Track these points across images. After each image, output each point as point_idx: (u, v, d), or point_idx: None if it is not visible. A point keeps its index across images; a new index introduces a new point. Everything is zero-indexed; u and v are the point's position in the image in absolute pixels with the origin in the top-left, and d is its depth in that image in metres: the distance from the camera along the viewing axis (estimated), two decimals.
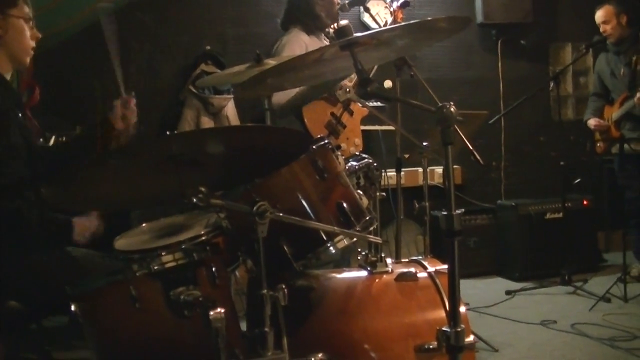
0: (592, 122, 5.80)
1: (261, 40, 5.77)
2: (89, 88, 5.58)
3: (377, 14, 5.90)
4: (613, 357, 3.93)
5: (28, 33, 2.96)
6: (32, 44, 3.01)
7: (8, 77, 3.00)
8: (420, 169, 3.90)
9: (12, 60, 2.96)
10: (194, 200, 2.07)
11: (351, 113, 4.26)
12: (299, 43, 4.35)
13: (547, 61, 6.96)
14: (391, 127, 4.86)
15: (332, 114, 4.27)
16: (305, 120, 4.36)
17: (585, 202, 6.11)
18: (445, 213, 2.01)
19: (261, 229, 2.12)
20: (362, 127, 4.91)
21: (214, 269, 2.29)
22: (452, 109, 2.01)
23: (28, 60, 3.03)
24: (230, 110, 5.62)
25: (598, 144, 5.89)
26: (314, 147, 2.52)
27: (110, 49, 2.97)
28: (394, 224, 4.13)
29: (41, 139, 3.90)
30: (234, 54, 5.82)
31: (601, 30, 5.60)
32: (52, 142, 4.05)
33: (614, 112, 5.62)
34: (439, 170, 6.07)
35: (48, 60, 5.25)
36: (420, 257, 2.87)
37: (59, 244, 2.90)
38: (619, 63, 5.62)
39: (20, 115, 2.94)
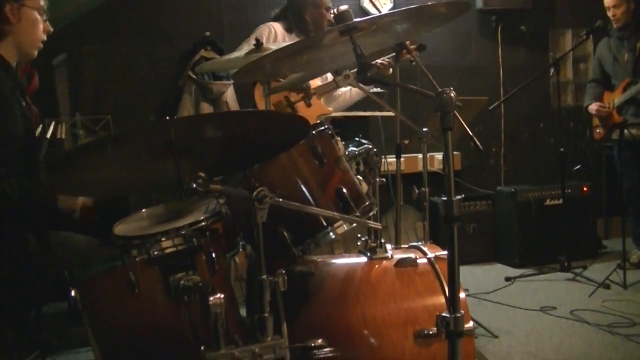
0: (593, 107, 5.77)
1: (258, 26, 5.76)
2: (88, 74, 5.59)
3: None
4: (612, 343, 3.93)
5: (41, 25, 2.93)
6: (44, 37, 2.97)
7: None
8: (420, 155, 3.89)
9: (20, 50, 2.92)
10: (193, 185, 2.06)
11: (309, 105, 4.25)
12: (269, 30, 4.54)
13: (547, 47, 6.93)
14: (391, 113, 4.84)
15: (286, 97, 4.28)
16: (255, 96, 4.41)
17: (584, 189, 6.10)
18: (444, 199, 2.01)
19: (260, 215, 2.11)
20: (362, 113, 4.89)
21: (213, 254, 2.29)
22: (451, 95, 2.00)
23: (36, 53, 2.99)
24: (230, 96, 5.61)
25: (597, 130, 5.88)
26: (313, 132, 2.52)
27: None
28: (394, 210, 4.12)
29: (40, 126, 3.89)
30: (231, 41, 5.81)
31: (610, 14, 5.56)
32: (51, 128, 4.03)
33: (616, 98, 5.60)
34: (438, 156, 6.07)
35: (46, 46, 5.24)
36: (419, 243, 2.87)
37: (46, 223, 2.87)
38: (623, 49, 5.60)
39: (22, 102, 2.92)
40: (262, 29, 4.59)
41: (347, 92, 4.73)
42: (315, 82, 4.11)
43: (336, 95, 4.71)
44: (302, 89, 4.34)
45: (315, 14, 4.60)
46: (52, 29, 3.00)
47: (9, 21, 2.83)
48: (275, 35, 4.52)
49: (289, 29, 4.63)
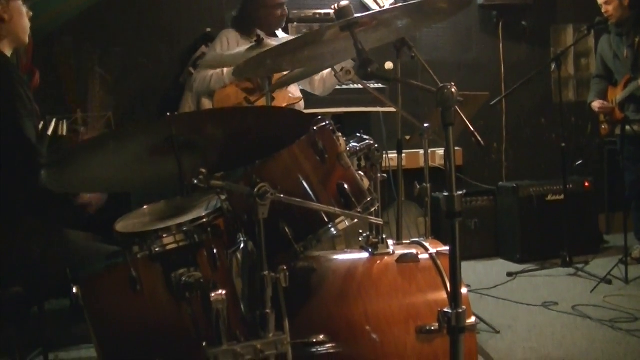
0: (596, 104, 5.77)
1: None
2: (89, 72, 5.59)
3: None
4: (614, 338, 3.94)
5: (25, 12, 3.02)
6: (28, 22, 3.05)
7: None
8: (421, 151, 3.89)
9: (15, 41, 3.01)
10: (195, 181, 2.06)
11: (272, 99, 4.24)
12: (221, 40, 4.67)
13: (549, 43, 6.92)
14: (392, 109, 4.84)
15: (246, 98, 4.29)
16: (214, 103, 4.55)
17: (586, 184, 6.10)
18: (446, 194, 2.01)
19: (262, 211, 2.11)
20: (364, 109, 4.88)
21: (215, 250, 2.29)
22: (452, 90, 2.00)
23: (27, 39, 3.08)
24: None
25: (603, 126, 5.87)
26: (314, 128, 2.52)
27: None
28: (395, 205, 4.11)
29: (42, 122, 3.89)
30: None
31: (603, 11, 5.55)
32: (52, 126, 4.03)
33: (618, 95, 5.60)
34: (440, 152, 6.06)
35: (47, 43, 5.24)
36: (421, 239, 2.87)
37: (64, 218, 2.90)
38: (622, 45, 5.58)
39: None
40: (216, 41, 4.73)
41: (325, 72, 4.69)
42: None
43: (316, 80, 4.68)
44: (253, 89, 4.39)
45: (266, 13, 4.66)
46: (31, 12, 3.09)
47: (4, 20, 2.90)
48: (227, 43, 4.63)
49: (243, 33, 4.69)
